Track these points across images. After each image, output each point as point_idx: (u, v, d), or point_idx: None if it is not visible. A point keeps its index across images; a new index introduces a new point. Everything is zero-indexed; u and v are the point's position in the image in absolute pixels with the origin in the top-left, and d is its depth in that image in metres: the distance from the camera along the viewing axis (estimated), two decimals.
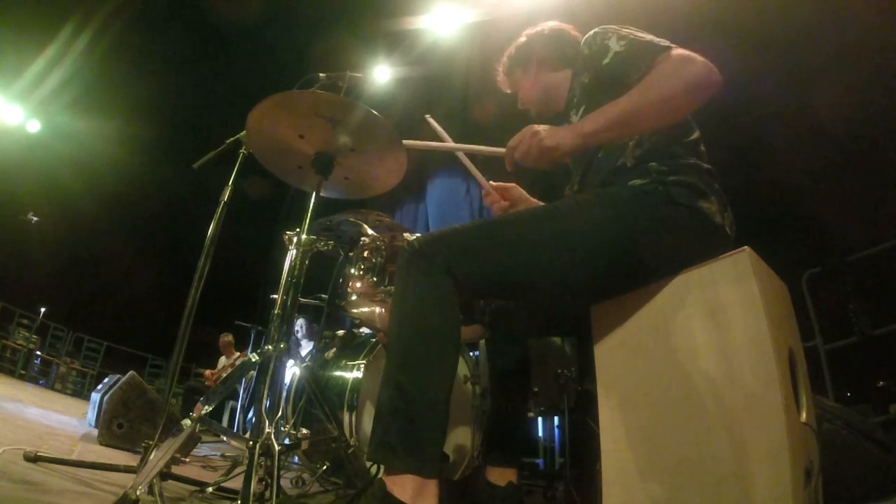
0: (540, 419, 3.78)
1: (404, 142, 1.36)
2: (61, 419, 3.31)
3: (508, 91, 1.49)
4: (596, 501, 0.98)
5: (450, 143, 1.40)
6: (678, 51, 1.05)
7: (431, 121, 1.45)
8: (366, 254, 1.72)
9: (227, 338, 5.59)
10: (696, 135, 1.17)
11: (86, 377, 10.96)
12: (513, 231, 1.05)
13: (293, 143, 1.41)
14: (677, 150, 1.12)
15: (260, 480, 1.03)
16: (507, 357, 1.41)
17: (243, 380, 3.55)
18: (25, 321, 10.78)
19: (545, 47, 1.39)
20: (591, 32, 1.22)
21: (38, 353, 10.64)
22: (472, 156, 1.44)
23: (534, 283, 1.07)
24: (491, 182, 1.46)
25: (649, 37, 1.12)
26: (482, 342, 2.11)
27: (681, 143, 1.13)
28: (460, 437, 1.93)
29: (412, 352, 0.92)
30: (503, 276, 1.04)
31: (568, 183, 1.37)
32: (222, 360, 5.48)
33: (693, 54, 1.03)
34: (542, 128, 1.08)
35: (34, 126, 7.92)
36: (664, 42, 1.08)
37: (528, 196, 1.46)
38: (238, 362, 5.26)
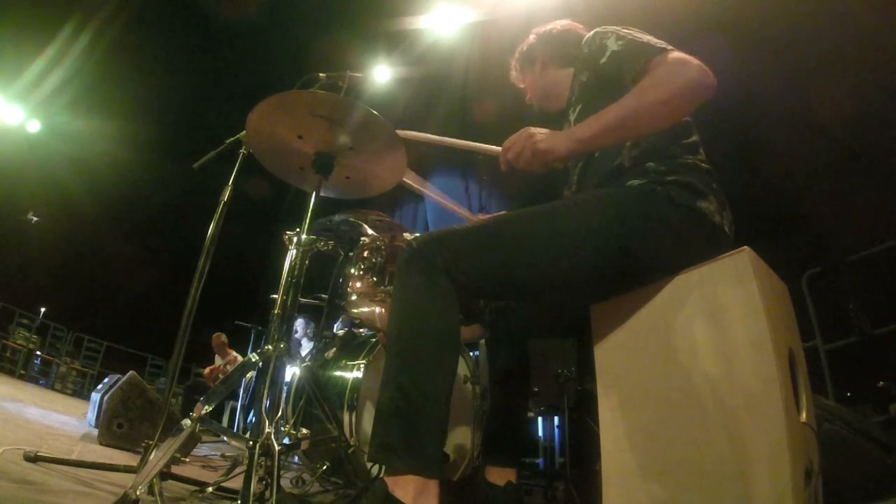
0: (540, 419, 3.79)
1: (400, 132, 1.38)
2: (61, 419, 3.31)
3: (521, 86, 1.53)
4: (596, 501, 0.98)
5: (446, 139, 1.43)
6: (674, 54, 1.05)
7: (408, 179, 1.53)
8: (366, 254, 1.71)
9: (221, 338, 5.47)
10: (694, 135, 1.17)
11: (86, 377, 10.97)
12: (512, 231, 1.05)
13: (293, 144, 1.41)
14: (675, 149, 1.12)
15: (260, 480, 1.03)
16: (507, 357, 1.41)
17: (243, 380, 3.55)
18: (25, 321, 10.79)
19: (550, 46, 1.42)
20: (592, 32, 1.23)
21: (38, 353, 10.64)
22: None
23: (533, 284, 1.07)
24: (480, 215, 1.55)
25: (647, 38, 1.12)
26: (482, 342, 2.11)
27: (678, 143, 1.13)
28: (460, 437, 1.93)
29: (412, 353, 0.92)
30: (502, 277, 1.04)
31: (565, 183, 1.37)
32: (218, 361, 5.44)
33: (688, 57, 1.03)
34: (538, 130, 1.08)
35: (34, 126, 7.93)
36: (661, 44, 1.08)
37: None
38: (236, 362, 5.24)
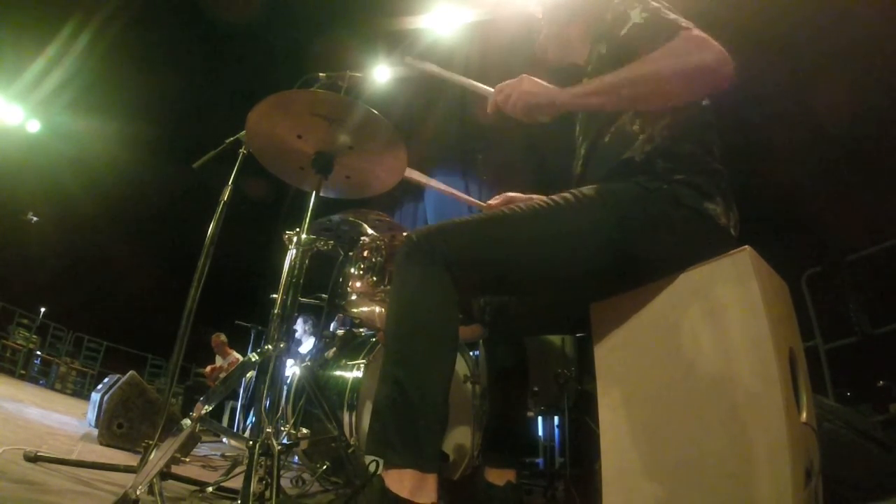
0: (540, 419, 3.79)
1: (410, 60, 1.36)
2: (61, 419, 3.31)
3: (539, 16, 1.40)
4: (596, 501, 0.98)
5: (445, 72, 1.37)
6: (695, 32, 0.98)
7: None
8: (365, 253, 1.71)
9: (221, 337, 5.49)
10: (711, 133, 1.12)
11: (86, 377, 10.95)
12: (512, 227, 1.04)
13: (292, 144, 1.41)
14: (688, 147, 1.07)
15: (260, 480, 1.03)
16: (507, 357, 1.41)
17: (243, 380, 3.55)
18: (25, 321, 10.77)
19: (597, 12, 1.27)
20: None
21: (38, 353, 10.63)
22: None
23: (532, 280, 1.06)
24: (489, 202, 1.49)
25: (674, 15, 1.05)
26: (482, 342, 2.10)
27: (693, 140, 1.09)
28: (460, 437, 1.93)
29: (409, 347, 0.92)
30: (501, 272, 1.03)
31: (565, 184, 1.35)
32: (219, 361, 5.44)
33: (710, 40, 0.96)
34: (529, 77, 1.08)
35: (34, 126, 7.92)
36: (686, 23, 1.02)
37: (526, 199, 1.44)
38: (236, 363, 5.24)
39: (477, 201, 1.59)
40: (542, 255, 1.02)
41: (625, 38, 1.08)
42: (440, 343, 0.93)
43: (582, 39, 1.30)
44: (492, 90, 1.15)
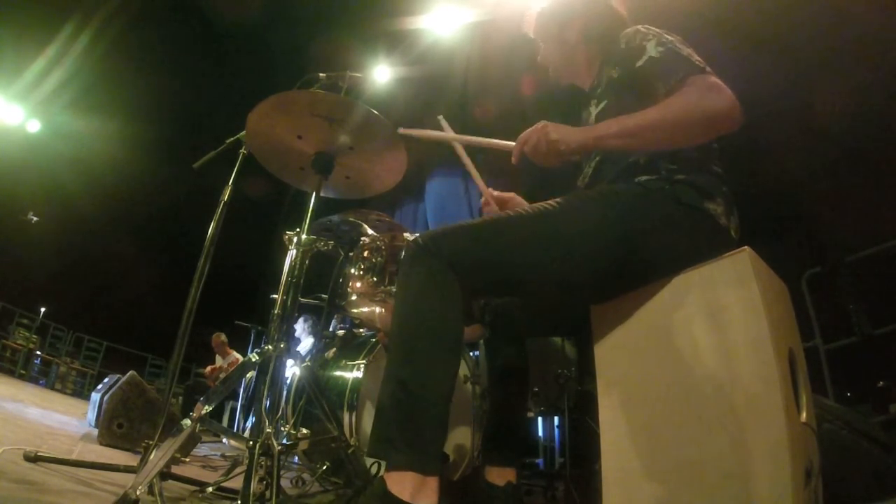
0: (540, 419, 3.79)
1: (406, 131, 1.34)
2: (61, 419, 3.31)
3: (531, 35, 1.45)
4: (596, 501, 0.98)
5: (457, 135, 1.35)
6: (712, 79, 1.03)
7: (443, 121, 1.39)
8: (366, 254, 1.71)
9: (221, 337, 5.50)
10: (713, 142, 1.16)
11: (86, 377, 10.97)
12: (517, 229, 1.05)
13: (293, 144, 1.41)
14: (689, 152, 1.11)
15: (260, 480, 1.03)
16: (507, 357, 1.41)
17: (243, 380, 3.55)
18: (25, 321, 10.79)
19: (595, 21, 1.32)
20: (633, 28, 1.20)
21: (38, 353, 10.64)
22: (473, 159, 1.41)
23: (536, 281, 1.07)
24: (491, 190, 1.40)
25: (688, 51, 1.10)
26: (482, 342, 2.10)
27: (696, 146, 1.11)
28: (460, 437, 1.93)
29: (414, 348, 0.92)
30: (506, 274, 1.04)
31: (568, 186, 1.36)
32: (219, 361, 5.44)
33: (723, 87, 1.02)
34: (551, 124, 1.09)
35: (34, 126, 7.92)
36: (701, 63, 1.07)
37: (528, 206, 1.43)
38: (237, 363, 5.23)
39: (483, 184, 1.46)
40: (546, 257, 1.02)
41: (641, 70, 1.13)
42: (444, 344, 0.93)
43: (588, 61, 1.34)
44: (512, 144, 1.17)
